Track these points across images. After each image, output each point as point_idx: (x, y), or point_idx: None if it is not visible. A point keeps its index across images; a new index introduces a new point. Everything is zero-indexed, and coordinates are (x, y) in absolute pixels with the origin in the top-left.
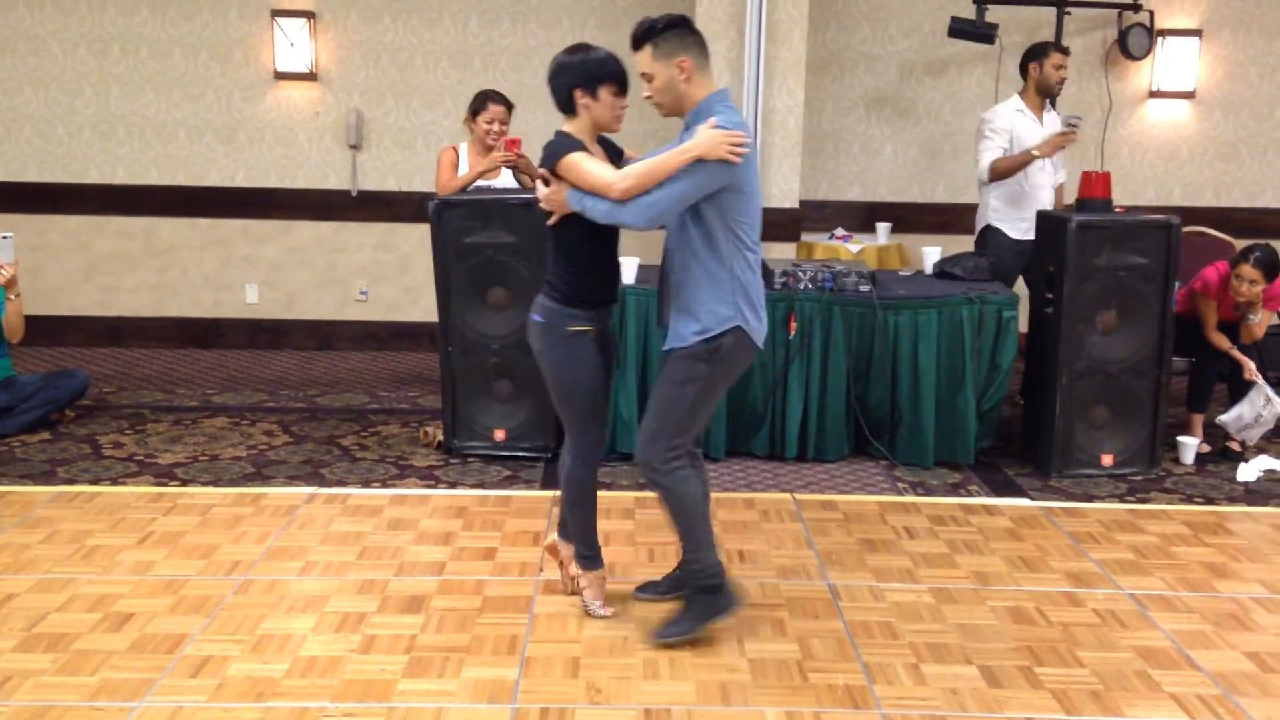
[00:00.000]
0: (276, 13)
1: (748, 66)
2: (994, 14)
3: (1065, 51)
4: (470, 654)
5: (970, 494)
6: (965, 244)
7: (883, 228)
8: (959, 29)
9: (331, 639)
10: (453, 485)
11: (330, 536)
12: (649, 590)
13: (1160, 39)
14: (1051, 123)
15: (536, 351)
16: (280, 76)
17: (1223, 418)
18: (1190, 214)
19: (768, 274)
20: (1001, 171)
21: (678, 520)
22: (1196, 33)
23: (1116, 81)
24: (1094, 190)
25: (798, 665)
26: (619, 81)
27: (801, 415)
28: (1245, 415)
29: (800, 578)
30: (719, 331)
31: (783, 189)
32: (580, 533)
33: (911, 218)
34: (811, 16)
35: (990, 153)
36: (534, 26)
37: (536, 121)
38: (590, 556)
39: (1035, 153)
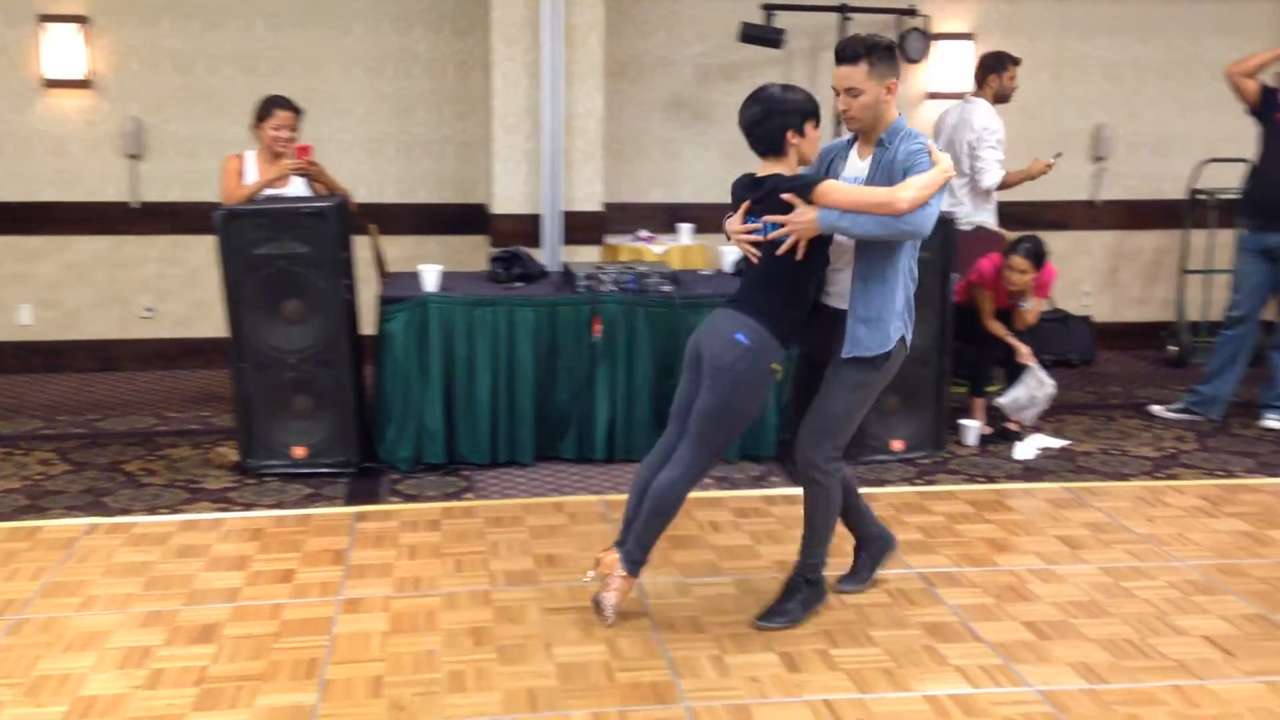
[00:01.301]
0: (45, 17)
1: (546, 71)
2: (781, 19)
3: (1018, 62)
4: (265, 681)
5: (772, 485)
6: None
7: (685, 228)
8: (749, 34)
9: (114, 676)
10: (248, 507)
11: (113, 568)
12: (850, 581)
13: (936, 43)
14: None
15: (725, 367)
16: (50, 84)
17: (1000, 400)
18: None
19: (570, 277)
20: (1010, 184)
21: (821, 518)
22: (969, 36)
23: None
24: None
25: (605, 666)
26: (818, 115)
27: (609, 417)
28: (1021, 397)
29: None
30: (895, 343)
31: (586, 192)
32: (649, 542)
33: (713, 218)
34: (608, 21)
35: (998, 165)
36: (325, 30)
37: (329, 128)
38: (641, 564)
39: (1031, 172)
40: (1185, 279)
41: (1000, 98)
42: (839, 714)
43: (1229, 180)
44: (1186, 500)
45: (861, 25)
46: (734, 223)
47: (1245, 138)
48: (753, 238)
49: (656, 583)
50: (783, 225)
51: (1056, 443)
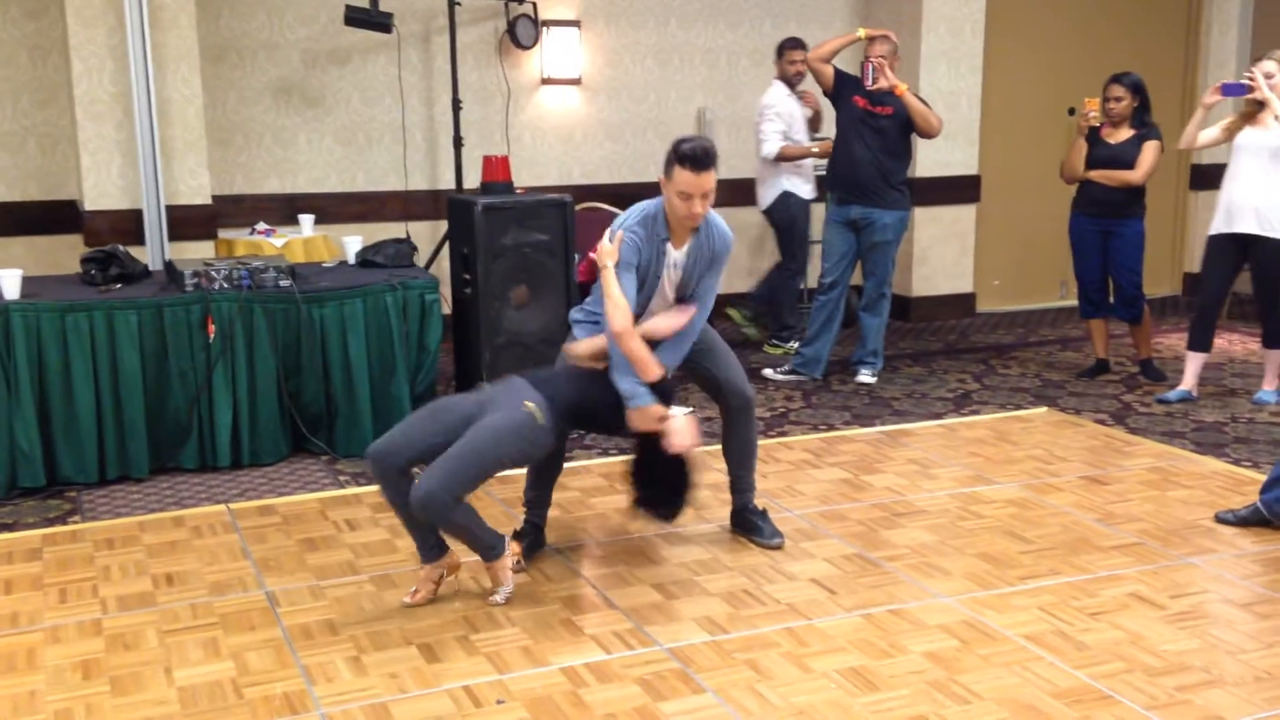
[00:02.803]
0: None
1: (133, 56)
2: (388, 3)
3: (801, 46)
4: None
5: (410, 476)
6: (388, 231)
7: (306, 219)
8: (355, 18)
9: None
10: None
11: None
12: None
13: (545, 29)
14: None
15: None
16: None
17: None
18: (589, 191)
19: (176, 275)
20: (788, 156)
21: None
22: (576, 23)
23: (512, 69)
24: (495, 174)
25: (232, 683)
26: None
27: (232, 421)
28: None
29: (236, 591)
30: None
31: (190, 185)
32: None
33: (334, 208)
34: (200, 2)
35: (776, 137)
36: None
37: None
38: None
39: (815, 150)
40: None
41: (784, 79)
42: (478, 697)
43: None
44: (795, 454)
45: (472, 10)
46: None
47: (827, 119)
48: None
49: (288, 589)
50: None
51: (681, 410)
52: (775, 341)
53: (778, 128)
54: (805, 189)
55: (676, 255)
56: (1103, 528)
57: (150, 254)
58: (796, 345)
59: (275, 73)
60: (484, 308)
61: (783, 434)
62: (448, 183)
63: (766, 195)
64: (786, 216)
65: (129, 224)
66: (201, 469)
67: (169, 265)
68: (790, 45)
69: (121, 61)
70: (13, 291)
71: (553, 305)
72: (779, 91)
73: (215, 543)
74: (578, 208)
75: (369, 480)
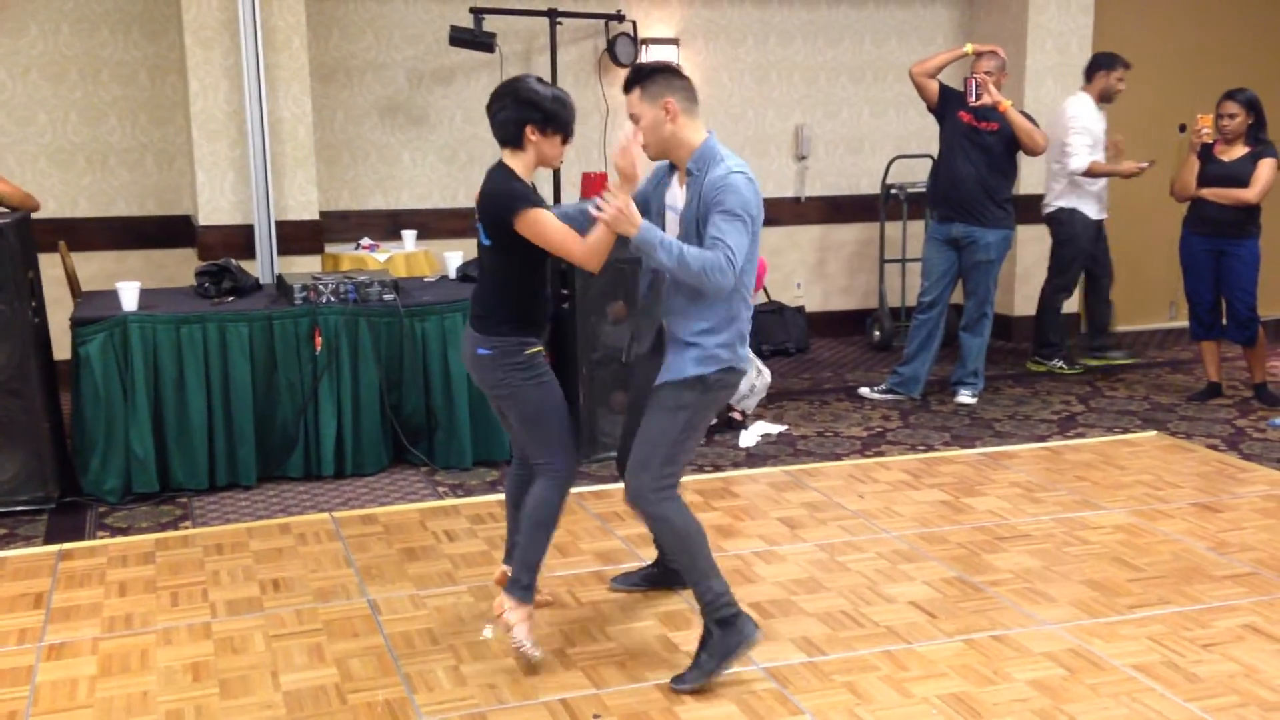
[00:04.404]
0: None
1: (246, 75)
2: (491, 23)
3: (1128, 66)
4: None
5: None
6: None
7: (409, 235)
8: (459, 38)
9: None
10: None
11: None
12: (623, 581)
13: (644, 47)
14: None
15: (498, 382)
16: None
17: None
18: None
19: (286, 289)
20: (1096, 172)
21: (677, 550)
22: (674, 41)
23: (610, 87)
24: (594, 191)
25: (336, 689)
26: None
27: (336, 431)
28: (741, 387)
29: (339, 598)
30: (715, 370)
31: (300, 200)
32: (535, 561)
33: (436, 224)
34: (311, 24)
35: (1085, 150)
36: None
37: (6, 138)
38: (530, 588)
39: (1120, 170)
40: (884, 268)
41: (1104, 96)
42: (575, 712)
43: (916, 175)
44: (892, 475)
45: (572, 29)
46: None
47: (928, 135)
48: None
49: (389, 597)
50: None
51: (776, 428)
52: (1038, 359)
53: (1086, 141)
54: (1092, 209)
55: (676, 193)
56: (1215, 556)
57: (260, 268)
58: (1060, 363)
59: (381, 92)
60: (581, 323)
61: (880, 454)
62: (546, 200)
63: (1049, 204)
64: (1066, 231)
65: (240, 238)
66: (306, 477)
67: (279, 279)
68: (1125, 64)
69: (236, 81)
70: (131, 303)
71: None
72: (1086, 104)
73: (319, 550)
74: (1046, 209)
75: (466, 491)
